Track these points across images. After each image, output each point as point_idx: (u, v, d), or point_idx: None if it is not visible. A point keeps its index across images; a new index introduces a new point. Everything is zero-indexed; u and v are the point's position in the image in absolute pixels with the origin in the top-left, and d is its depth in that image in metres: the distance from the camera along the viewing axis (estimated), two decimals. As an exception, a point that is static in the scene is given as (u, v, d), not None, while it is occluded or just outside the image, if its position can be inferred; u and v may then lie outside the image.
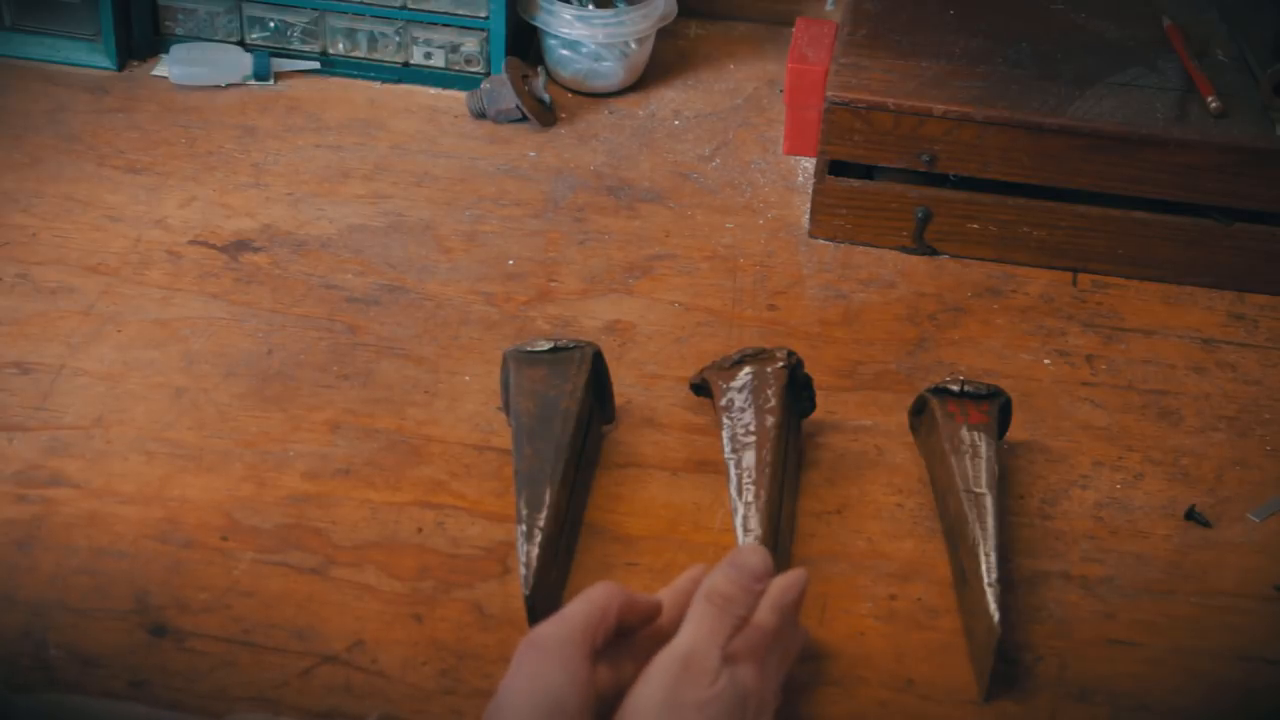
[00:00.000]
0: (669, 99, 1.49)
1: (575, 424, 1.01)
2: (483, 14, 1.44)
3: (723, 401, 1.05)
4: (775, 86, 1.51)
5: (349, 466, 1.06)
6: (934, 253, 1.29)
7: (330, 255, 1.25)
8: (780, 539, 0.99)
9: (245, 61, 1.46)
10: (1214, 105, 1.25)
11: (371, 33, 1.47)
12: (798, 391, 1.07)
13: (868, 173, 1.30)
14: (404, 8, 1.45)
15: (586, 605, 0.81)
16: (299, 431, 1.08)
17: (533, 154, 1.39)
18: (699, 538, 1.02)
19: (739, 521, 0.98)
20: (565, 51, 1.47)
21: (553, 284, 1.24)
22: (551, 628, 0.80)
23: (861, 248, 1.30)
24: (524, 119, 1.42)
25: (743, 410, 1.04)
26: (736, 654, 0.82)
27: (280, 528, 1.01)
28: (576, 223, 1.31)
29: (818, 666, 0.93)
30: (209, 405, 1.10)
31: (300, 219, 1.29)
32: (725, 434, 1.03)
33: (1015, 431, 1.09)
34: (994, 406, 1.05)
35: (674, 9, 1.51)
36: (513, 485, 1.00)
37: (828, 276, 1.27)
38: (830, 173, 1.28)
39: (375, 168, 1.36)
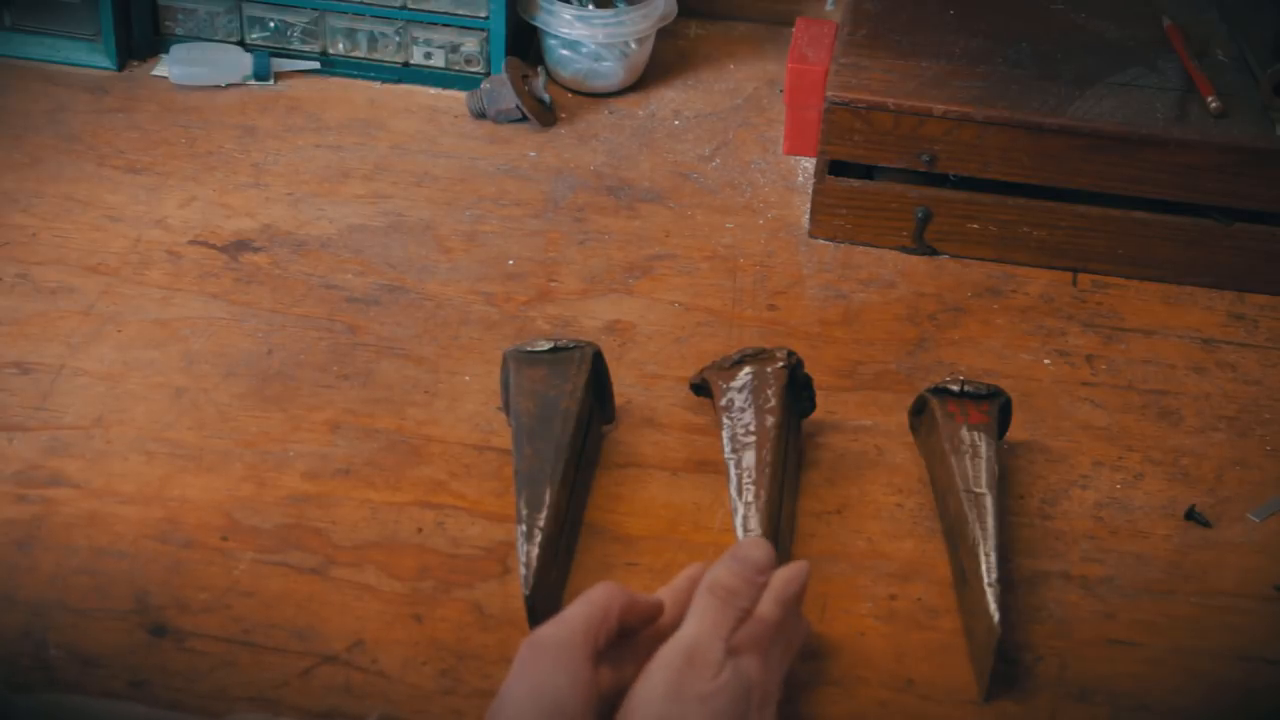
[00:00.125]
0: (669, 99, 1.49)
1: (575, 424, 1.01)
2: (483, 14, 1.44)
3: (723, 401, 1.05)
4: (775, 86, 1.51)
5: (349, 466, 1.06)
6: (934, 253, 1.29)
7: (330, 255, 1.25)
8: (780, 539, 0.99)
9: (245, 61, 1.46)
10: (1214, 105, 1.25)
11: (371, 33, 1.47)
12: (798, 391, 1.07)
13: (868, 173, 1.30)
14: (404, 8, 1.45)
15: (588, 606, 0.81)
16: (299, 431, 1.08)
17: (533, 154, 1.39)
18: (699, 538, 1.02)
19: (739, 521, 0.98)
20: (565, 51, 1.47)
21: (553, 284, 1.24)
22: (553, 629, 0.80)
23: (861, 248, 1.30)
24: (524, 119, 1.42)
25: (743, 410, 1.04)
26: (740, 646, 0.82)
27: (280, 528, 1.01)
28: (576, 223, 1.31)
29: (818, 666, 0.93)
30: (209, 405, 1.10)
31: (300, 219, 1.29)
32: (725, 434, 1.03)
33: (1015, 431, 1.09)
34: (994, 406, 1.05)
35: (674, 9, 1.51)
36: (513, 485, 1.00)
37: (828, 276, 1.27)
38: (830, 173, 1.28)
39: (375, 168, 1.36)
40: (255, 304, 1.20)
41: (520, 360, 1.06)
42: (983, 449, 1.01)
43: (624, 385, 1.13)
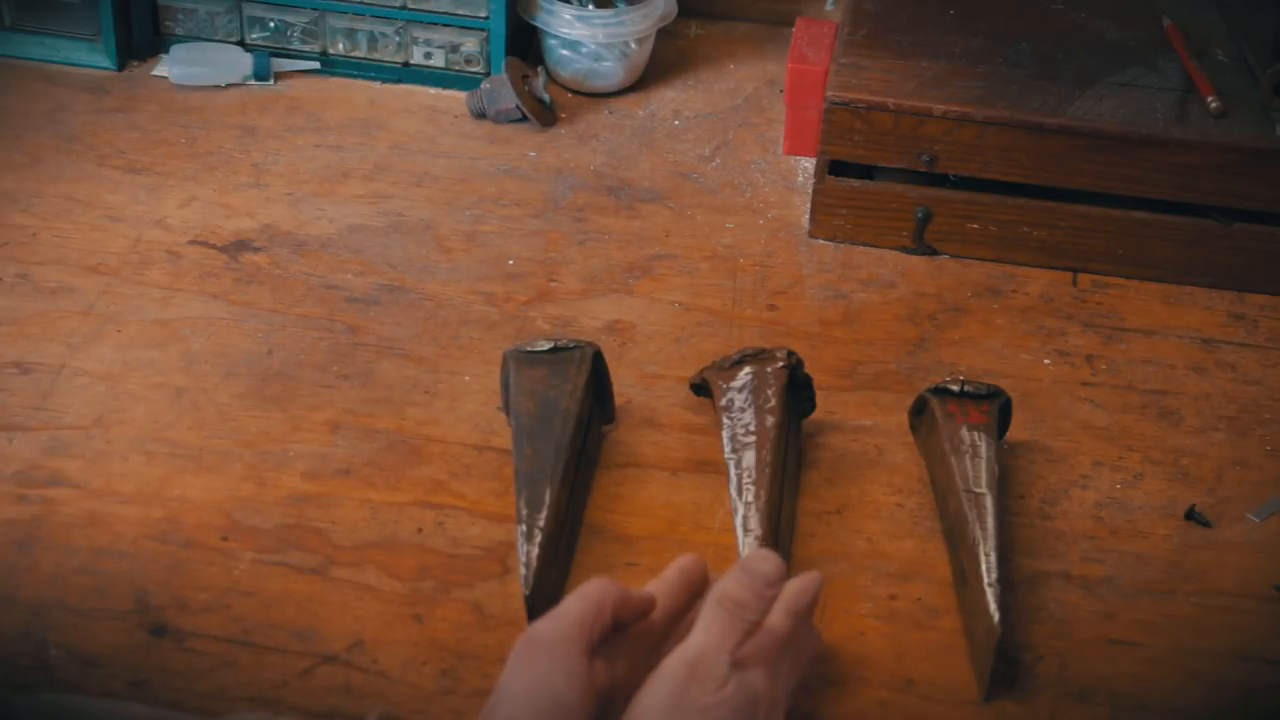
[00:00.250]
0: (669, 99, 1.49)
1: (575, 424, 1.01)
2: (483, 14, 1.44)
3: (723, 401, 1.05)
4: (775, 86, 1.51)
5: (349, 466, 1.06)
6: (934, 253, 1.29)
7: (330, 255, 1.25)
8: (780, 539, 0.99)
9: (245, 61, 1.46)
10: (1214, 105, 1.25)
11: (371, 33, 1.47)
12: (798, 391, 1.07)
13: (868, 173, 1.30)
14: (404, 8, 1.45)
15: (582, 602, 0.81)
16: (299, 431, 1.08)
17: (533, 154, 1.39)
18: (699, 538, 1.02)
19: (739, 521, 0.98)
20: (565, 51, 1.47)
21: (553, 284, 1.24)
22: (548, 625, 0.80)
23: (861, 248, 1.30)
24: (524, 119, 1.42)
25: (743, 410, 1.04)
26: (747, 658, 0.81)
27: (280, 528, 1.01)
28: (576, 223, 1.31)
29: (818, 666, 0.93)
30: (209, 405, 1.10)
31: (300, 219, 1.29)
32: (725, 434, 1.03)
33: (1015, 431, 1.09)
34: (994, 406, 1.05)
35: (674, 9, 1.51)
36: (513, 485, 1.00)
37: (828, 276, 1.27)
38: (830, 173, 1.28)
39: (375, 168, 1.36)
40: (255, 304, 1.20)
41: (520, 360, 1.06)
42: (983, 449, 1.01)
43: (624, 385, 1.13)
